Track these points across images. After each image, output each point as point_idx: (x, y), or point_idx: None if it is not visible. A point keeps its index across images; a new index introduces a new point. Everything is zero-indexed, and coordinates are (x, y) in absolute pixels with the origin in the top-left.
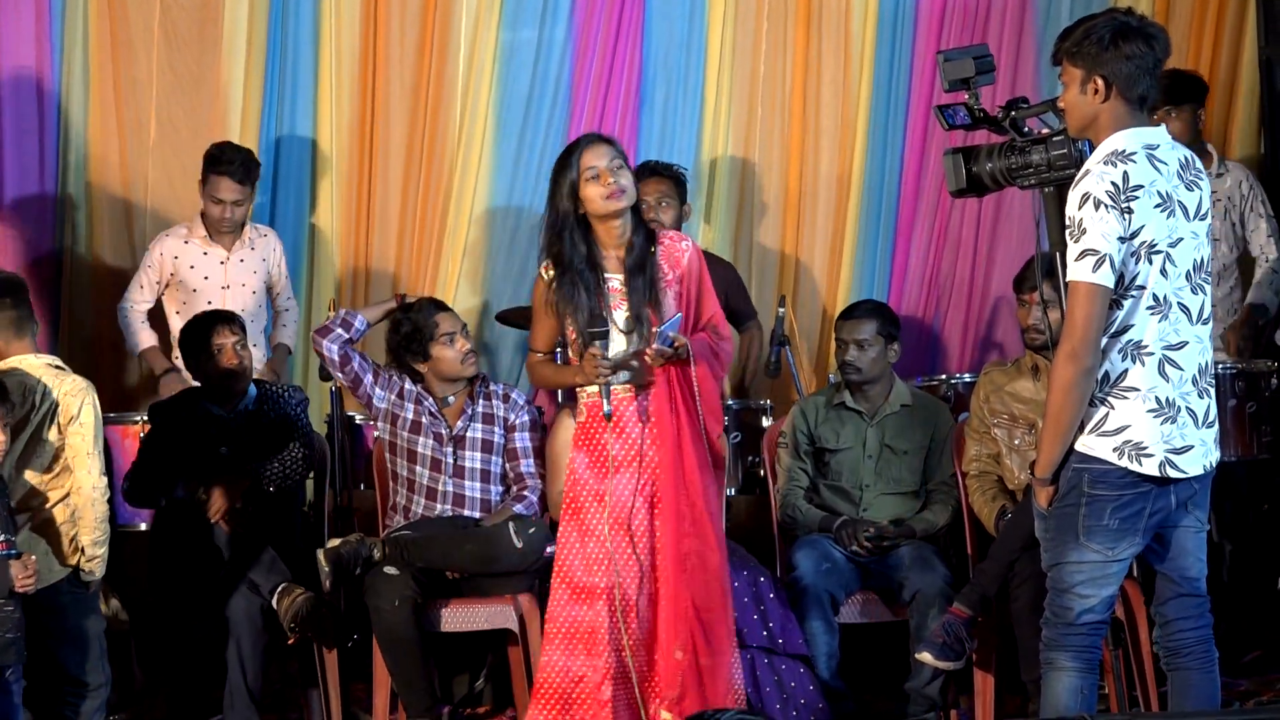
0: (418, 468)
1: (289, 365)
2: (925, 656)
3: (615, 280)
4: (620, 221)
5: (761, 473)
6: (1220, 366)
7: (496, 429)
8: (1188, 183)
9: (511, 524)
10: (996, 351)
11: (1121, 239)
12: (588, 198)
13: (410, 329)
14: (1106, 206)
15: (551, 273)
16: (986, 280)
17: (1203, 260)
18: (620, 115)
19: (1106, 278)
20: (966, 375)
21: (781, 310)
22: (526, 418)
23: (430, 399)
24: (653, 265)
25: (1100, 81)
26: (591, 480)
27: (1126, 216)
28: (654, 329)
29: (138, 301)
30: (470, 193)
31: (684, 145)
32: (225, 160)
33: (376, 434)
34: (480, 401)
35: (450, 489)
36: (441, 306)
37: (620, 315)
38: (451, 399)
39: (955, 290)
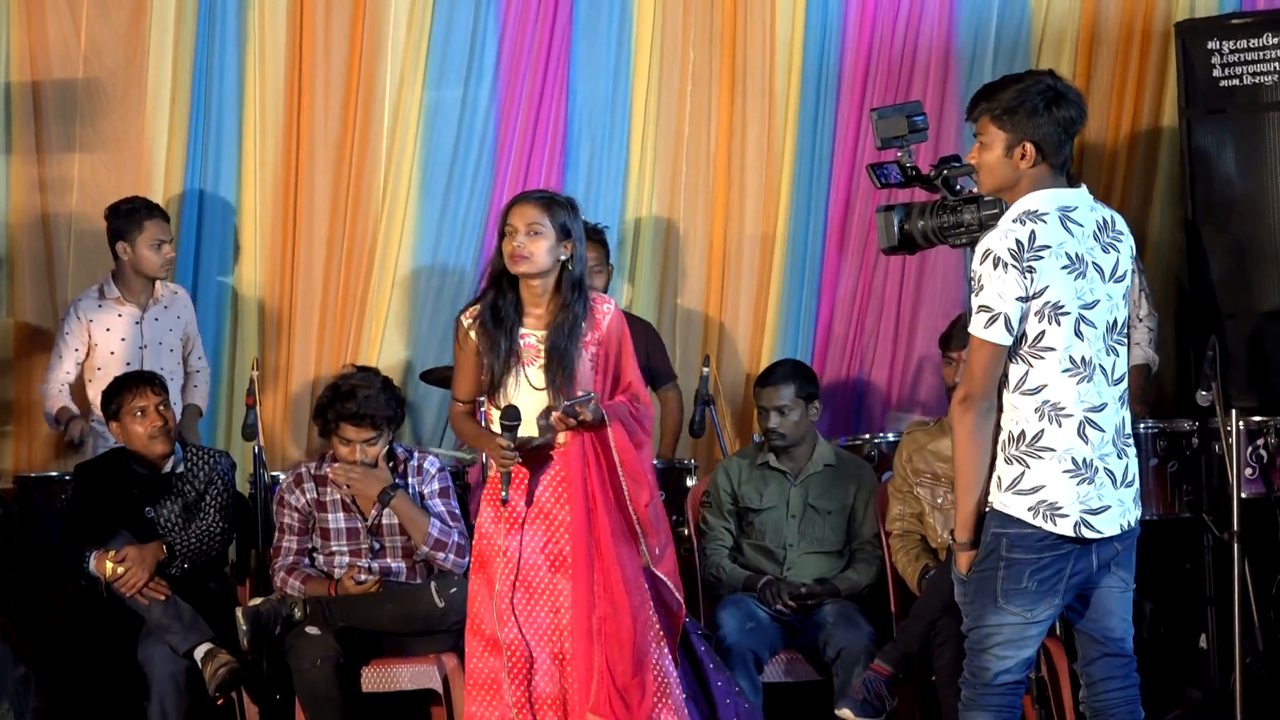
0: (336, 558)
1: (206, 428)
2: (845, 713)
3: (533, 336)
4: (538, 282)
5: (685, 532)
6: (1143, 426)
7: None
8: (1105, 244)
9: (434, 583)
10: (919, 410)
11: (1021, 299)
12: (504, 254)
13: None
14: (1006, 265)
15: (470, 320)
16: (910, 339)
17: (1117, 321)
18: (545, 174)
19: (999, 335)
20: (890, 434)
21: (706, 370)
22: (437, 485)
23: (345, 486)
24: (578, 333)
25: (1030, 147)
26: (496, 535)
27: (1028, 276)
28: (564, 402)
29: (59, 376)
30: (394, 251)
31: (609, 204)
32: (151, 206)
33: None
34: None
35: (375, 567)
36: (345, 389)
37: (534, 372)
38: None
39: (879, 349)
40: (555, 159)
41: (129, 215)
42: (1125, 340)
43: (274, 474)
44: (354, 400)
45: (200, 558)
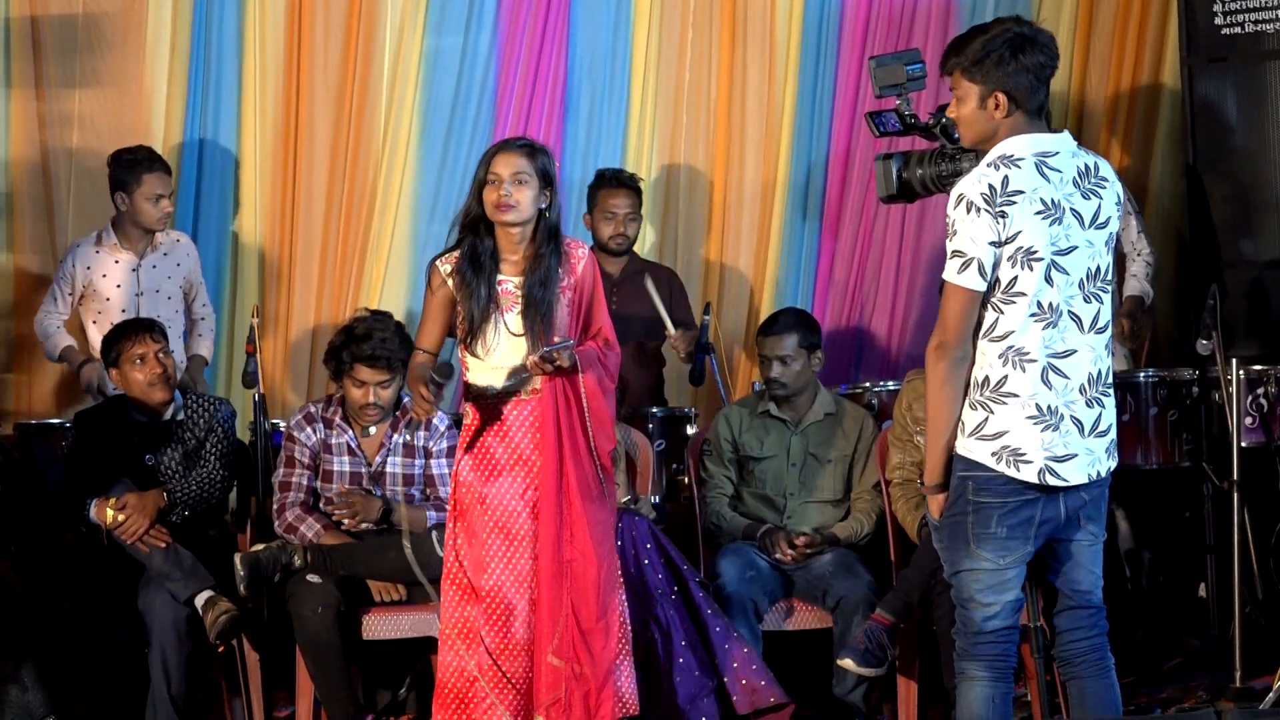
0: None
1: (206, 376)
2: (847, 663)
3: (510, 283)
4: (518, 230)
5: (686, 480)
6: (1142, 375)
7: (416, 460)
8: (1085, 191)
9: (435, 533)
10: (920, 359)
11: (994, 243)
12: (485, 199)
13: (337, 344)
14: (979, 209)
15: (449, 266)
16: (911, 287)
17: (1099, 269)
18: (545, 122)
19: (973, 280)
20: (890, 383)
21: (706, 317)
22: (445, 444)
23: (350, 431)
24: (554, 279)
25: (1002, 97)
26: (475, 483)
27: (1000, 221)
28: (543, 346)
29: (52, 312)
30: (395, 198)
31: (609, 153)
32: (153, 158)
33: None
34: (402, 432)
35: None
36: (359, 336)
37: (512, 318)
38: (372, 430)
39: (879, 297)
40: (556, 107)
41: (130, 167)
42: (1109, 288)
43: (274, 421)
44: (369, 342)
45: (201, 505)
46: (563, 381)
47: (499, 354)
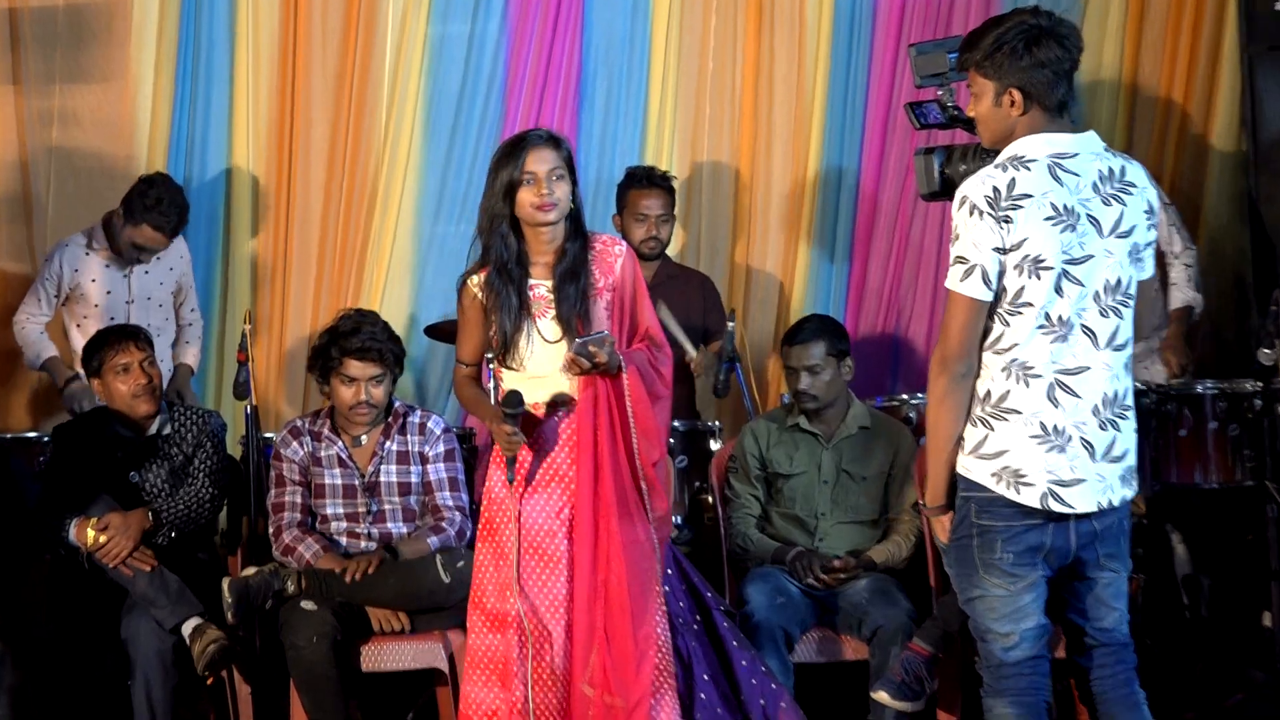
0: (333, 524)
1: (194, 387)
2: (882, 696)
3: (542, 287)
4: (550, 229)
5: (709, 499)
6: (1201, 387)
7: (412, 467)
8: (1106, 196)
9: (439, 557)
10: None
11: (998, 250)
12: (520, 202)
13: (323, 343)
14: (981, 213)
15: (479, 278)
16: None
17: (1120, 281)
18: (558, 115)
19: (976, 289)
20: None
21: (731, 325)
22: (443, 448)
23: (340, 441)
24: (585, 274)
25: (1016, 93)
26: (508, 500)
27: (1004, 226)
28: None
29: (34, 314)
30: (397, 196)
31: (626, 147)
32: (160, 210)
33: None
34: (395, 438)
35: (375, 532)
36: (345, 332)
37: (546, 324)
38: (364, 438)
39: (917, 303)
40: (569, 99)
41: (144, 208)
42: (1130, 301)
43: (267, 435)
44: (358, 335)
45: (188, 525)
46: (605, 387)
47: (534, 363)
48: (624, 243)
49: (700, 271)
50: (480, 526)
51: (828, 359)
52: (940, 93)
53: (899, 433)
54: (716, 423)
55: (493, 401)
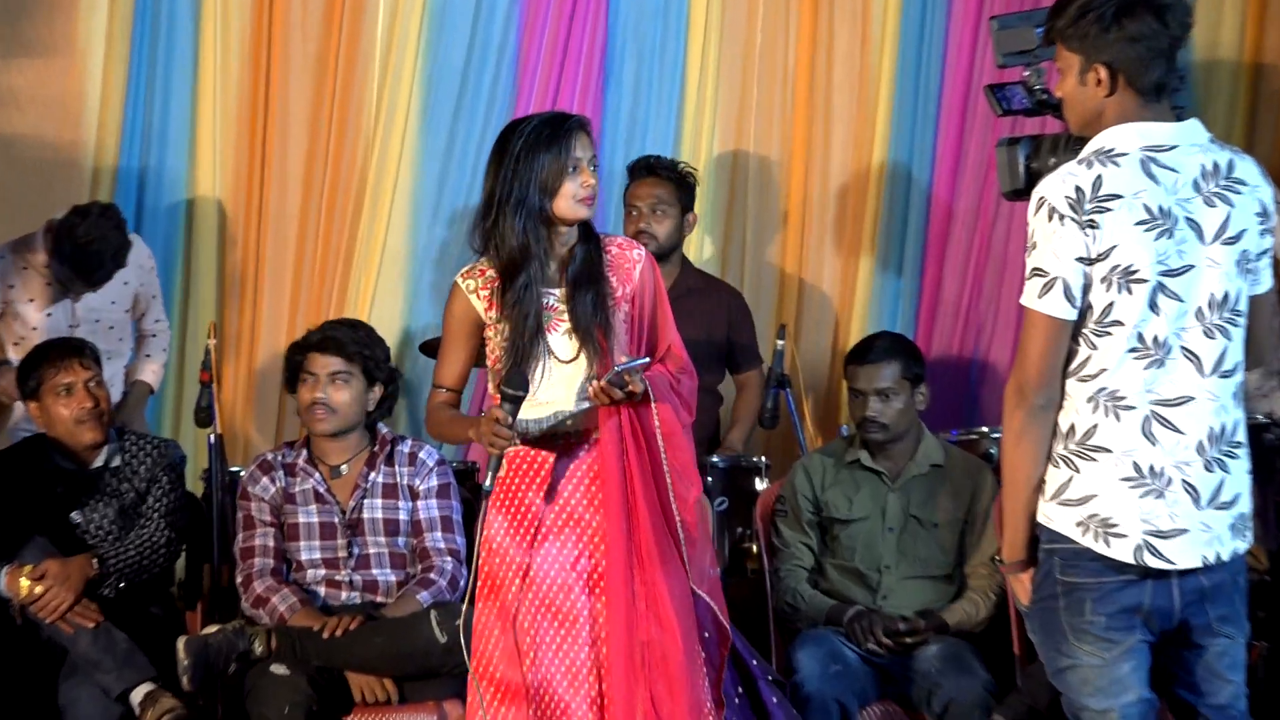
0: (309, 572)
1: (149, 411)
2: None
3: (552, 295)
4: (570, 229)
5: (754, 549)
6: None
7: (401, 502)
8: (1209, 196)
9: (433, 613)
10: None
11: (1083, 260)
12: (561, 193)
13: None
14: (1062, 217)
15: (478, 281)
16: None
17: (1227, 296)
18: (579, 95)
19: (1057, 306)
20: None
21: (780, 344)
22: (436, 481)
23: (318, 472)
24: (602, 279)
25: (1103, 70)
26: (513, 550)
27: (1090, 232)
28: (612, 364)
29: None
30: (389, 191)
31: (659, 134)
32: (88, 253)
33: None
34: (381, 469)
35: (358, 579)
36: (319, 342)
37: (558, 339)
38: (344, 468)
39: (999, 320)
40: (592, 76)
41: (67, 250)
42: (1239, 319)
43: (233, 469)
44: (320, 332)
45: (140, 575)
46: (629, 418)
47: (546, 387)
48: (641, 247)
49: (729, 284)
50: (480, 583)
51: (901, 382)
52: (1027, 73)
53: (977, 471)
54: (763, 458)
55: (487, 485)
